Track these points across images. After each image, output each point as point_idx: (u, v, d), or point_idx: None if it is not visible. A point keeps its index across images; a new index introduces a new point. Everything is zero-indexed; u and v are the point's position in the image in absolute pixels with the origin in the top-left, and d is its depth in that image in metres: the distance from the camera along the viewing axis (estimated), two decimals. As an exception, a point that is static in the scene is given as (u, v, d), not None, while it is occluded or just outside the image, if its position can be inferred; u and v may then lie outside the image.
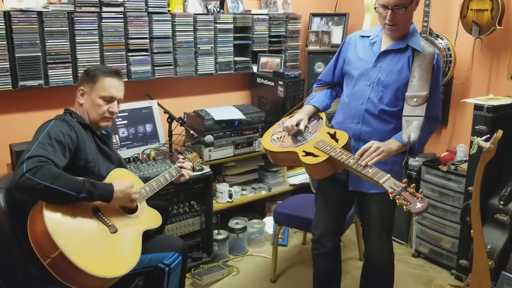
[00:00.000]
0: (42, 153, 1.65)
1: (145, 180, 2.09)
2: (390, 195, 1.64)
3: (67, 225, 1.65)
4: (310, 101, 2.22)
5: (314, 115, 2.20)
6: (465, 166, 2.77)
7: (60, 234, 1.60)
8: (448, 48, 2.96)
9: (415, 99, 1.89)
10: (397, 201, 1.63)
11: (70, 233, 1.63)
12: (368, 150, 1.82)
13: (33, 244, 1.60)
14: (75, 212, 1.69)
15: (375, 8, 1.93)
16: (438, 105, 2.01)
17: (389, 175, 1.72)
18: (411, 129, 1.87)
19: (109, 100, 1.93)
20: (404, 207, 1.61)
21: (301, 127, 2.10)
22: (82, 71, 2.02)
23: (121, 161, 2.09)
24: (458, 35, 2.96)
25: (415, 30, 1.98)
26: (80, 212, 1.70)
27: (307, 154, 1.94)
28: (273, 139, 2.18)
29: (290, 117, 2.23)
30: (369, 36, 2.06)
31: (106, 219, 1.76)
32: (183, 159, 2.27)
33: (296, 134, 2.11)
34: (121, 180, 1.84)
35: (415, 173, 3.04)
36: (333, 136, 1.98)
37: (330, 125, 2.14)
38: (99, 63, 2.73)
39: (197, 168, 2.61)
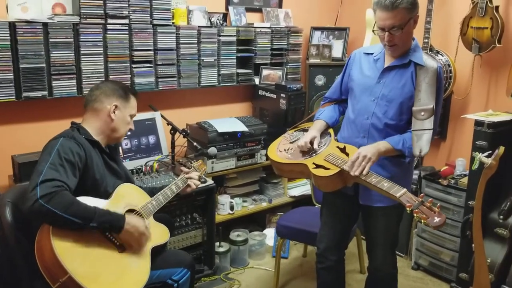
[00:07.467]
0: (56, 176, 1.63)
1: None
2: (408, 209, 1.66)
3: (76, 247, 1.63)
4: (319, 116, 2.23)
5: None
6: (465, 180, 2.81)
7: (69, 257, 1.57)
8: (449, 64, 3.01)
9: (422, 113, 1.93)
10: (415, 214, 1.64)
11: (79, 256, 1.62)
12: (356, 161, 1.85)
13: (42, 268, 1.57)
14: (83, 233, 1.66)
15: (373, 31, 1.95)
16: (436, 119, 2.00)
17: (405, 189, 1.74)
18: (422, 143, 1.90)
19: (132, 118, 2.02)
20: (423, 221, 1.62)
21: (315, 145, 2.08)
22: (109, 87, 1.96)
23: (128, 176, 2.08)
24: (458, 52, 3.01)
25: (417, 45, 2.01)
26: (88, 233, 1.68)
27: (317, 166, 1.95)
28: (280, 151, 2.19)
29: (295, 130, 2.25)
30: (372, 53, 2.09)
31: (114, 239, 1.75)
32: (189, 168, 2.26)
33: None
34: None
35: (414, 186, 3.07)
36: (343, 150, 2.00)
37: (336, 139, 2.16)
38: (103, 74, 2.73)
39: (203, 178, 2.56)
